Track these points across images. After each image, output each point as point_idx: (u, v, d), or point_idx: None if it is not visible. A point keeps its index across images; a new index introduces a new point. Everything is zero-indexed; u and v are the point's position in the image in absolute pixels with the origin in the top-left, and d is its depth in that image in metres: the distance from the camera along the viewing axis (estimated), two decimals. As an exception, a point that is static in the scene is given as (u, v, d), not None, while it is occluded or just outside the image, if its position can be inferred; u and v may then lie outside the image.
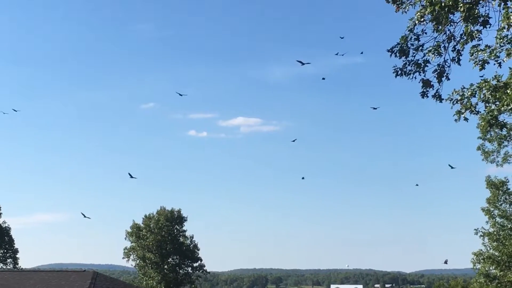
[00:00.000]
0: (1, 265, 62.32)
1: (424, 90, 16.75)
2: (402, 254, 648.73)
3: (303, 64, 36.90)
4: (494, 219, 41.70)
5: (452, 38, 15.81)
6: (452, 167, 43.78)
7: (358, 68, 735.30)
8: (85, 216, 46.33)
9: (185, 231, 64.44)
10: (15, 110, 59.67)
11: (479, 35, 15.08)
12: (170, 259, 62.86)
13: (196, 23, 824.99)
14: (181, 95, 60.04)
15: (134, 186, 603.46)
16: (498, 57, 15.44)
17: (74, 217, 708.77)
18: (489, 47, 15.50)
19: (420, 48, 16.26)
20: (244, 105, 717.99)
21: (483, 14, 14.83)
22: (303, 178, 71.47)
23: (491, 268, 41.11)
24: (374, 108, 48.45)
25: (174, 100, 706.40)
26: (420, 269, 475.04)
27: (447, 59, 16.14)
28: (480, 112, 17.16)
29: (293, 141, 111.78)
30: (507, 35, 15.21)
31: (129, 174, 44.70)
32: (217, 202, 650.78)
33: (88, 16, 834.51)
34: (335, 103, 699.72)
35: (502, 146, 39.01)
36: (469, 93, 16.77)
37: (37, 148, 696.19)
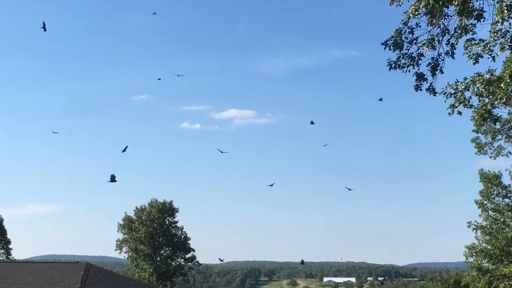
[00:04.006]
0: (-6, 256, 62.19)
1: (418, 83, 16.76)
2: (395, 247, 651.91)
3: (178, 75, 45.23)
4: (487, 213, 41.75)
5: (446, 31, 15.78)
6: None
7: (353, 60, 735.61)
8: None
9: (176, 222, 64.39)
10: (54, 132, 61.86)
11: (473, 28, 15.06)
12: (162, 251, 62.87)
13: (189, 14, 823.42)
14: (178, 75, 60.68)
15: (127, 178, 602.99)
16: (492, 51, 15.45)
17: (67, 208, 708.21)
18: (483, 40, 15.50)
19: (414, 41, 16.23)
20: (238, 97, 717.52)
21: (478, 8, 14.80)
22: (271, 185, 58.74)
23: (483, 262, 41.21)
24: (380, 99, 49.12)
25: (167, 92, 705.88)
26: (413, 262, 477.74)
27: (441, 53, 16.11)
28: (474, 105, 17.20)
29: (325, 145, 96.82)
30: (501, 29, 15.21)
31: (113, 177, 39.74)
32: (210, 195, 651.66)
33: (80, 6, 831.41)
34: (329, 96, 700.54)
35: (496, 139, 39.11)
36: (462, 87, 16.82)
37: (29, 139, 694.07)
